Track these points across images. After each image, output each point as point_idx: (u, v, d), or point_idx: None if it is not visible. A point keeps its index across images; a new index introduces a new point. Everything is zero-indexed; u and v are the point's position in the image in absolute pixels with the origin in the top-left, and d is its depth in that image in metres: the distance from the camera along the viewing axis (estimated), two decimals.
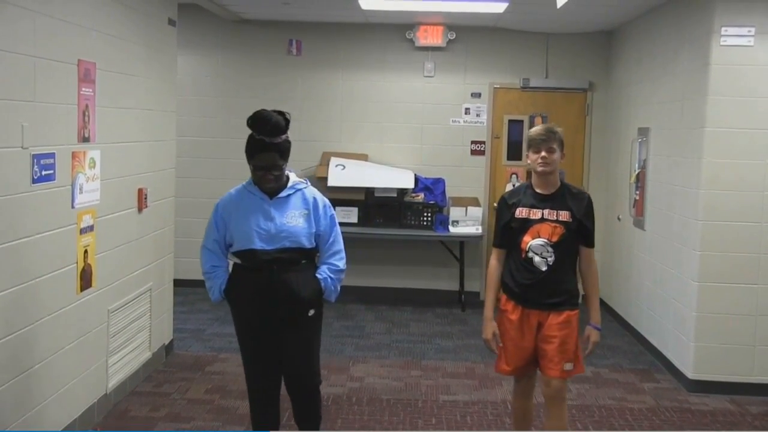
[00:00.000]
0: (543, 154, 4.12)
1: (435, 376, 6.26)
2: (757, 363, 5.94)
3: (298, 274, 4.12)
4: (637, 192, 7.31)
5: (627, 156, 7.66)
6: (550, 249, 4.14)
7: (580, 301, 4.26)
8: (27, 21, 4.06)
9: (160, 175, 6.14)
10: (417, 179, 8.56)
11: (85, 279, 4.82)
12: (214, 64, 8.85)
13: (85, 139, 4.76)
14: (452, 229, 8.37)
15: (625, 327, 7.71)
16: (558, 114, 8.68)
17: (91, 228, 4.86)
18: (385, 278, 8.91)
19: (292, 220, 4.09)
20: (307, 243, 4.14)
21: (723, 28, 5.76)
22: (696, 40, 6.09)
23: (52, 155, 4.33)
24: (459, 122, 8.81)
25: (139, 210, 5.72)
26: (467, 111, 8.81)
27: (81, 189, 4.70)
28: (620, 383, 6.18)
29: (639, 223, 7.28)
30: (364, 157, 8.68)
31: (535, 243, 4.15)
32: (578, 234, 4.20)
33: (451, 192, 8.71)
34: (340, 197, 8.33)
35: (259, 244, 4.06)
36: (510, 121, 8.80)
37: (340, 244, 4.29)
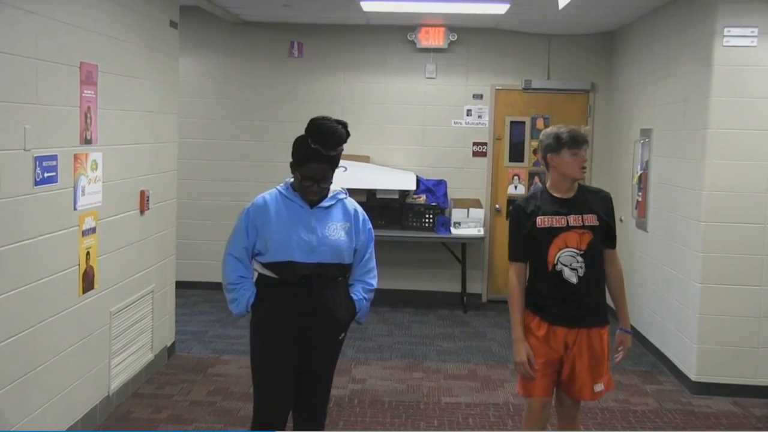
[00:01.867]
0: (584, 156, 3.83)
1: (437, 378, 6.25)
2: (761, 365, 5.93)
3: (334, 293, 3.83)
4: (640, 193, 7.30)
5: (629, 157, 7.66)
6: (580, 259, 3.79)
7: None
8: (29, 23, 4.06)
9: (162, 177, 6.14)
10: (419, 181, 8.56)
11: (87, 281, 4.82)
12: (215, 67, 8.85)
13: (87, 141, 4.76)
14: (454, 231, 8.37)
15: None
16: (560, 115, 8.67)
17: (93, 230, 4.86)
18: (386, 280, 8.82)
19: (334, 232, 3.79)
20: (347, 258, 3.86)
21: (726, 29, 5.75)
22: (698, 41, 6.08)
23: (54, 157, 4.33)
24: (461, 124, 8.81)
25: (141, 212, 5.72)
26: (469, 112, 8.81)
27: (83, 191, 4.70)
28: (623, 385, 6.17)
29: (641, 225, 7.27)
30: (365, 159, 8.68)
31: (563, 254, 3.80)
32: (605, 237, 3.90)
33: (452, 193, 8.71)
34: None
35: (298, 257, 3.74)
36: (512, 122, 8.80)
37: (374, 261, 4.01)
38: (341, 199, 3.94)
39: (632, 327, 7.44)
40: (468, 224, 8.39)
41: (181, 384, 5.94)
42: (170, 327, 6.51)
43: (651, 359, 6.85)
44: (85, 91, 4.71)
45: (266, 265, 3.82)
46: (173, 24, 6.31)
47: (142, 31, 5.66)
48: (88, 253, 4.80)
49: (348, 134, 3.79)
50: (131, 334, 5.60)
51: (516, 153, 8.82)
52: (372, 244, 4.00)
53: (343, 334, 3.92)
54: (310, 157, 3.69)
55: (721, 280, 5.90)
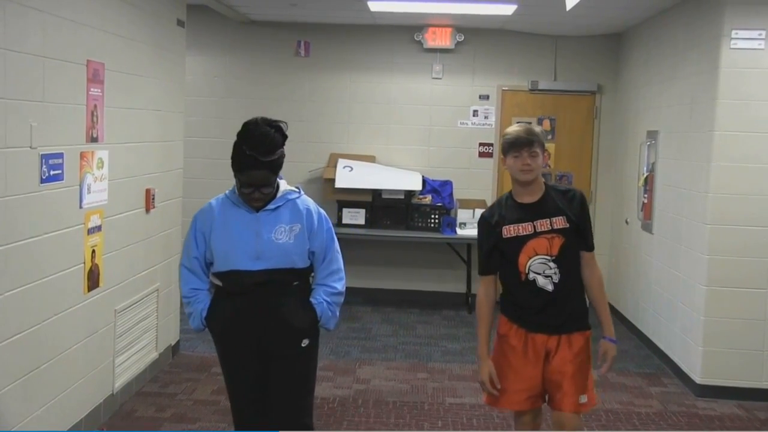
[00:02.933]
0: (526, 159, 3.59)
1: (441, 379, 6.25)
2: (766, 368, 5.91)
3: (289, 299, 3.61)
4: (646, 195, 7.29)
5: (635, 159, 7.64)
6: (553, 265, 3.59)
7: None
8: (36, 21, 4.06)
9: (167, 175, 6.15)
10: (424, 181, 8.55)
11: (93, 279, 4.83)
12: (222, 65, 8.86)
13: (94, 140, 4.76)
14: (459, 231, 8.36)
15: (632, 330, 7.68)
16: (566, 117, 8.67)
17: (98, 228, 4.87)
18: (391, 280, 8.90)
19: (282, 235, 3.55)
20: (299, 262, 3.61)
21: (733, 31, 5.73)
22: (705, 43, 6.07)
23: (60, 155, 4.33)
24: (467, 124, 8.80)
25: (147, 210, 5.73)
26: (475, 113, 8.80)
27: (89, 189, 4.70)
28: (627, 387, 6.16)
29: (647, 227, 7.26)
30: (371, 159, 8.68)
31: (534, 262, 3.60)
32: (578, 239, 3.68)
33: (458, 194, 8.70)
34: (348, 199, 8.35)
35: (243, 265, 3.53)
36: (518, 123, 8.75)
37: (339, 263, 3.73)
38: (292, 199, 3.66)
39: (636, 328, 7.49)
40: (473, 225, 8.36)
41: (185, 383, 5.94)
42: (174, 326, 6.52)
43: (655, 361, 6.83)
44: (92, 90, 4.71)
45: (215, 275, 3.65)
46: (180, 23, 6.32)
47: (149, 30, 5.66)
48: (93, 251, 4.81)
49: (284, 137, 3.54)
50: (136, 333, 5.61)
51: None
52: (334, 245, 3.71)
53: (306, 341, 3.64)
54: (247, 164, 3.45)
55: (727, 282, 5.88)
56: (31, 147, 4.03)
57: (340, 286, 3.72)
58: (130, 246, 5.42)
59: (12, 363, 3.97)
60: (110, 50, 4.98)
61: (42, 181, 4.15)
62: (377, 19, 8.23)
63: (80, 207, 4.62)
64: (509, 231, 3.63)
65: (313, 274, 3.74)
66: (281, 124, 3.55)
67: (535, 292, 3.62)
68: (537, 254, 3.60)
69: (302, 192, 3.74)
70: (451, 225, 8.37)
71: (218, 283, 3.65)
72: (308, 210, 3.66)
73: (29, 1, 3.98)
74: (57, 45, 4.28)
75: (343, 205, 8.43)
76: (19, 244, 3.98)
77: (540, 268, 3.61)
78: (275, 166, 3.51)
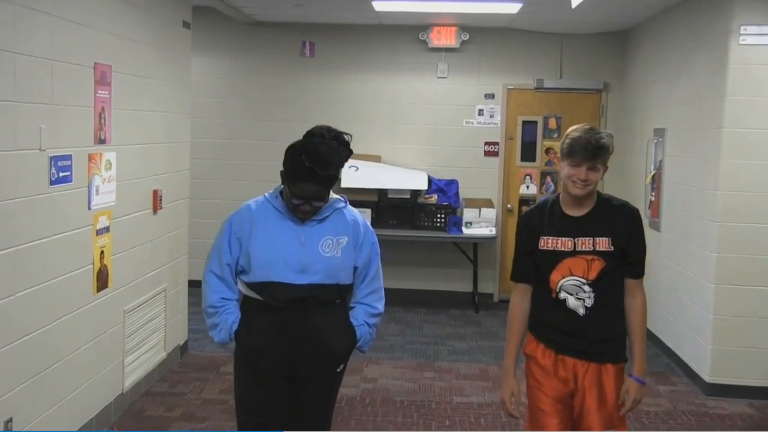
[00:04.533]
0: (583, 173, 3.15)
1: (448, 378, 6.25)
2: None
3: (330, 318, 3.34)
4: (653, 193, 7.28)
5: (643, 157, 7.63)
6: (587, 288, 3.22)
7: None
8: (46, 25, 4.08)
9: (174, 176, 6.16)
10: (430, 180, 8.55)
11: (102, 280, 4.84)
12: (228, 67, 8.86)
13: (101, 141, 4.77)
14: (466, 231, 8.36)
15: None
16: (572, 115, 8.65)
17: (107, 229, 4.88)
18: (398, 279, 8.89)
19: (329, 248, 3.28)
20: (345, 278, 3.35)
21: (742, 27, 5.71)
22: (713, 40, 6.05)
23: (69, 157, 4.34)
24: (472, 123, 8.80)
25: (154, 211, 5.73)
26: (481, 112, 8.79)
27: (97, 190, 4.71)
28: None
29: (655, 225, 7.25)
30: (377, 159, 8.68)
31: (566, 282, 3.24)
32: (623, 263, 3.28)
33: (464, 193, 8.69)
34: (354, 198, 8.24)
35: (286, 277, 3.24)
36: (524, 122, 8.78)
37: (381, 280, 3.47)
38: (339, 209, 3.40)
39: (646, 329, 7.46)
40: (480, 224, 8.38)
41: (193, 382, 5.95)
42: (183, 325, 6.53)
43: (664, 360, 6.82)
44: (99, 92, 4.72)
45: (250, 286, 3.33)
46: (186, 24, 6.32)
47: (156, 32, 5.67)
48: (102, 252, 4.82)
49: (350, 152, 3.27)
50: (144, 333, 5.62)
51: (528, 153, 8.80)
52: (377, 260, 3.46)
53: (342, 366, 3.43)
54: (303, 176, 3.17)
55: (736, 280, 5.87)
56: (40, 149, 4.04)
57: (382, 306, 3.48)
58: (138, 247, 5.43)
59: (23, 363, 3.98)
60: (117, 52, 4.98)
61: (51, 182, 4.16)
62: (382, 19, 8.23)
63: (89, 208, 4.63)
64: (546, 243, 3.27)
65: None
66: (347, 137, 3.27)
67: (564, 312, 3.27)
68: (572, 275, 3.24)
69: (347, 202, 3.49)
70: (457, 224, 8.37)
71: (251, 294, 3.34)
72: (355, 221, 3.41)
73: (37, 5, 3.99)
74: (65, 48, 4.29)
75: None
76: (29, 246, 3.99)
77: (572, 289, 3.25)
78: (332, 181, 3.26)
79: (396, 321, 7.99)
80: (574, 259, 3.22)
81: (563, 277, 3.24)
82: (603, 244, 3.23)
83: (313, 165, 3.14)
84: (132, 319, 5.37)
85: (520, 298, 3.39)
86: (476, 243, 8.51)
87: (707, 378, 5.97)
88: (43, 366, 4.20)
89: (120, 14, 5.04)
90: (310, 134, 3.22)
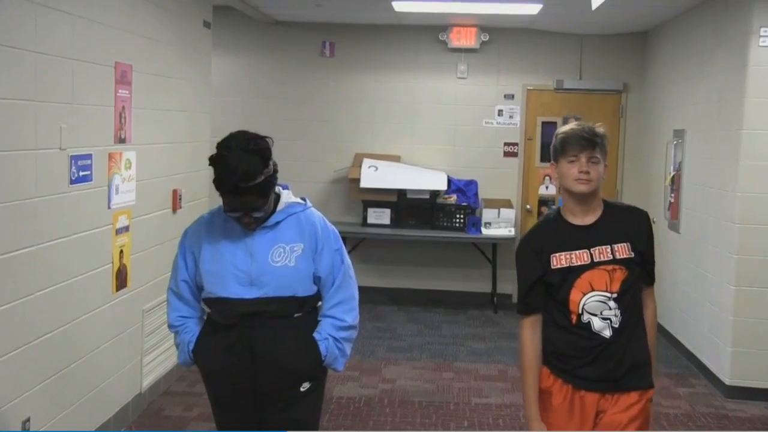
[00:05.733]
0: (584, 165, 2.88)
1: (467, 379, 6.24)
2: None
3: (286, 333, 3.04)
4: (672, 195, 7.23)
5: (662, 158, 7.58)
6: (613, 305, 2.88)
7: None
8: (67, 25, 4.11)
9: (194, 176, 6.19)
10: (449, 181, 8.54)
11: (121, 279, 4.87)
12: (248, 66, 8.89)
13: (122, 141, 4.80)
14: (485, 231, 8.34)
15: (659, 330, 7.61)
16: (592, 116, 8.59)
17: (126, 228, 4.91)
18: (416, 280, 8.90)
19: (281, 258, 3.00)
20: (302, 289, 3.04)
21: (762, 29, 5.66)
22: (733, 41, 6.01)
23: (89, 156, 4.38)
24: (492, 124, 8.78)
25: (174, 211, 5.76)
26: (500, 112, 8.77)
27: (117, 190, 4.75)
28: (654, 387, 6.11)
29: (674, 226, 7.20)
30: (396, 159, 8.68)
31: (590, 300, 2.88)
32: (641, 271, 2.97)
33: (483, 194, 8.68)
34: (373, 198, 8.36)
35: (234, 291, 2.98)
36: (543, 122, 8.75)
37: (351, 289, 3.14)
38: (294, 214, 3.10)
39: (663, 328, 7.42)
40: (499, 224, 8.37)
41: None
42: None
43: (683, 362, 6.78)
44: (120, 91, 4.75)
45: (204, 302, 3.13)
46: (206, 24, 6.35)
47: (176, 31, 5.70)
48: (121, 252, 4.85)
49: (267, 159, 2.95)
50: (163, 332, 5.64)
51: (547, 153, 8.59)
52: (343, 267, 3.12)
53: (306, 385, 3.10)
54: (226, 189, 2.92)
55: (756, 282, 5.82)
56: (60, 148, 4.08)
57: (351, 318, 3.13)
58: (157, 246, 5.46)
59: (42, 362, 4.02)
60: (138, 52, 5.02)
61: (71, 182, 4.20)
62: (402, 19, 8.23)
63: (108, 208, 4.66)
64: (559, 260, 2.92)
65: (320, 303, 3.18)
66: (263, 143, 2.99)
67: (587, 338, 2.90)
68: (594, 290, 2.88)
69: (309, 203, 3.21)
70: (476, 225, 8.36)
71: (207, 310, 3.16)
72: (313, 226, 3.09)
73: (58, 4, 4.02)
74: (86, 47, 4.32)
75: (368, 204, 8.44)
76: (49, 245, 4.02)
77: (597, 308, 2.89)
78: (263, 188, 2.94)
79: (414, 321, 7.99)
80: (593, 271, 2.89)
81: (584, 294, 2.89)
82: (623, 250, 2.91)
83: (223, 178, 2.88)
84: (150, 318, 5.40)
85: (531, 332, 2.99)
86: (495, 243, 8.49)
87: (727, 380, 5.93)
88: (62, 365, 4.23)
89: (140, 13, 5.07)
90: (218, 146, 2.98)
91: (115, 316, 4.83)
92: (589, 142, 2.87)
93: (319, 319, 3.15)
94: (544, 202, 8.75)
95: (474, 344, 7.27)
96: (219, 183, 2.91)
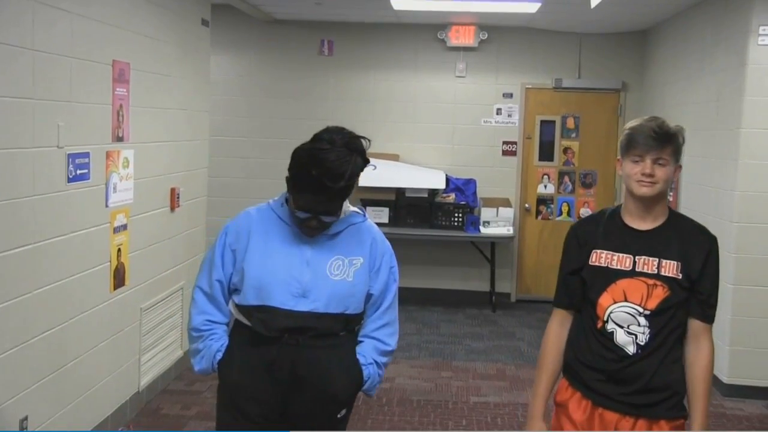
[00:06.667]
0: (648, 167, 2.59)
1: (465, 378, 6.24)
2: None
3: (332, 354, 2.76)
4: (671, 193, 7.23)
5: None
6: (643, 321, 2.61)
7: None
8: (64, 22, 4.10)
9: (192, 174, 6.18)
10: (448, 179, 8.53)
11: (118, 277, 4.86)
12: (246, 64, 8.89)
13: (119, 139, 4.80)
14: (483, 230, 8.34)
15: None
16: (591, 115, 8.62)
17: (124, 227, 4.90)
18: (415, 278, 8.89)
19: (339, 270, 2.75)
20: (353, 307, 2.78)
21: (761, 27, 5.66)
22: (732, 40, 6.01)
23: (86, 155, 4.37)
24: (490, 122, 8.77)
25: (172, 209, 5.76)
26: (499, 111, 8.77)
27: (115, 188, 4.74)
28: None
29: None
30: (395, 157, 8.67)
31: (617, 309, 2.64)
32: (690, 298, 2.64)
33: (482, 192, 8.67)
34: (371, 197, 8.35)
35: (283, 302, 2.69)
36: (542, 121, 8.75)
37: (396, 312, 2.91)
38: (355, 224, 2.86)
39: None
40: (497, 223, 8.36)
41: (210, 381, 5.95)
42: None
43: None
44: (118, 89, 4.74)
45: (240, 309, 2.79)
46: (205, 22, 6.34)
47: (174, 29, 5.69)
48: (119, 250, 4.84)
49: (366, 162, 2.72)
50: (161, 331, 5.64)
51: (546, 152, 8.77)
52: (395, 288, 2.89)
53: (343, 411, 2.86)
54: (310, 187, 2.63)
55: (754, 281, 5.83)
56: (58, 147, 4.07)
57: (394, 342, 2.90)
58: (155, 245, 5.45)
59: (39, 360, 4.01)
60: (135, 50, 5.01)
61: (69, 180, 4.18)
62: (401, 17, 8.22)
63: (106, 206, 4.65)
64: (599, 258, 2.69)
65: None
66: (363, 143, 2.75)
67: (610, 349, 2.67)
68: (626, 300, 2.64)
69: (367, 215, 2.97)
70: (475, 223, 8.35)
71: (242, 318, 2.82)
72: (374, 240, 2.87)
73: (57, 2, 4.01)
74: (83, 45, 4.31)
75: (366, 203, 8.42)
76: (46, 243, 4.01)
77: (624, 320, 2.64)
78: (345, 193, 2.71)
79: (413, 320, 7.99)
80: (631, 280, 2.64)
81: (614, 302, 2.65)
82: (670, 268, 2.62)
83: (319, 176, 2.60)
84: (149, 317, 5.39)
85: (558, 326, 2.81)
86: (494, 242, 8.49)
87: (725, 379, 5.93)
88: (59, 364, 4.22)
89: (139, 11, 5.06)
90: (317, 138, 2.71)
91: (112, 315, 4.82)
92: (657, 142, 2.58)
93: (360, 339, 2.87)
94: (542, 200, 8.76)
95: (472, 343, 7.27)
96: (311, 178, 2.60)
